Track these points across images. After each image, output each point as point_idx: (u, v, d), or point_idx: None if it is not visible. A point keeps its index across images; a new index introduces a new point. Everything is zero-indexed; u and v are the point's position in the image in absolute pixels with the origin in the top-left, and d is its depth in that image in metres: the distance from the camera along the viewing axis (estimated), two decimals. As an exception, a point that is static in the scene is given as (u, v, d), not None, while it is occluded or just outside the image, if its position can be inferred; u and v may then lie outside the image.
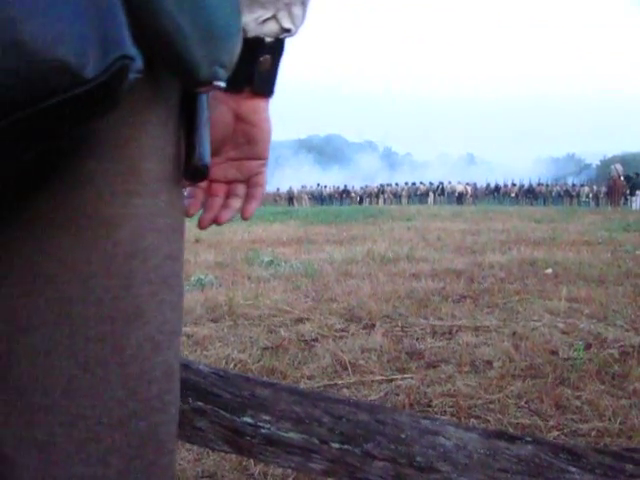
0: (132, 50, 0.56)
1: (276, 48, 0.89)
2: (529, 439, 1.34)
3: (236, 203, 0.96)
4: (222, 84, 0.74)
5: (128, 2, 0.58)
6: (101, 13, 0.54)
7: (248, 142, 0.92)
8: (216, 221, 0.97)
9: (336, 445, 1.21)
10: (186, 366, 1.19)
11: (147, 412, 0.75)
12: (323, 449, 1.21)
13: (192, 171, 0.81)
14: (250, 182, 0.96)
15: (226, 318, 5.21)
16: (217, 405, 1.20)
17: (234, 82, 0.81)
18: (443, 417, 3.07)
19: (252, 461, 2.51)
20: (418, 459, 1.24)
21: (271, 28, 0.86)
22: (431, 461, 1.24)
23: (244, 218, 0.99)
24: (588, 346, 4.31)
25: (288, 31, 0.87)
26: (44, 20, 0.50)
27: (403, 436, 1.25)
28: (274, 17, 0.86)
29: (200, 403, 1.19)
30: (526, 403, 3.32)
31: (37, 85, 0.51)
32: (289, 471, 2.43)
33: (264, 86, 0.89)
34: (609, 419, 3.08)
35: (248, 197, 0.96)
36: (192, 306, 5.56)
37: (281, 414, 1.22)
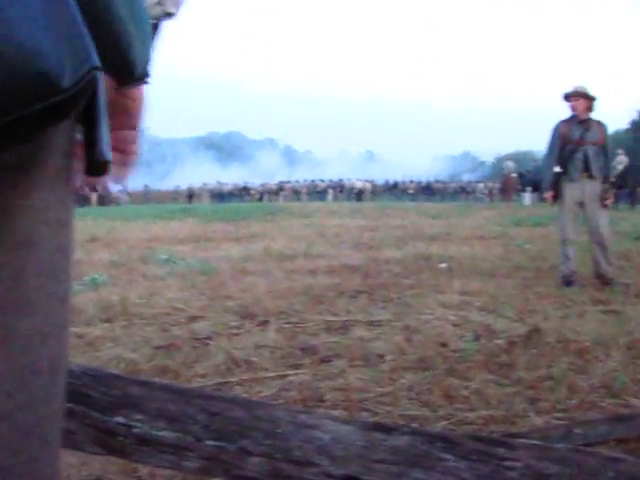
0: (97, 60, 0.62)
1: (154, 31, 0.88)
2: (406, 429, 1.36)
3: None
4: (149, 79, 0.77)
5: (84, 13, 0.62)
6: (69, 26, 0.59)
7: (125, 113, 0.91)
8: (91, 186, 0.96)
9: (211, 442, 1.20)
10: (53, 366, 1.15)
11: (33, 405, 0.74)
12: (197, 447, 1.20)
13: (93, 167, 0.79)
14: (125, 150, 0.95)
15: (119, 318, 5.10)
16: (88, 406, 1.16)
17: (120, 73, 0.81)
18: (333, 411, 3.10)
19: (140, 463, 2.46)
20: (295, 454, 1.24)
21: (156, 12, 0.87)
22: (308, 455, 1.25)
23: (118, 183, 0.98)
24: (477, 337, 4.44)
25: (171, 15, 0.88)
26: (25, 33, 0.55)
27: (280, 431, 1.25)
28: (159, 3, 0.87)
29: (70, 404, 1.15)
30: (417, 395, 3.38)
31: (22, 93, 0.56)
32: (178, 471, 2.39)
33: (143, 72, 0.88)
34: (494, 407, 3.18)
35: (123, 164, 0.96)
36: (85, 306, 5.42)
37: (155, 413, 1.19)
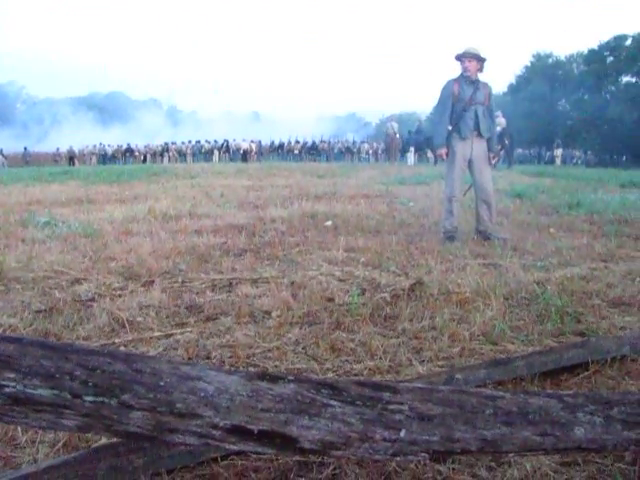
0: None
1: None
2: (291, 378, 1.36)
3: None
4: None
5: None
6: None
7: None
8: None
9: (90, 398, 1.16)
10: None
11: None
12: (76, 404, 1.15)
13: None
14: None
15: (-4, 283, 4.89)
16: (-48, 366, 1.09)
17: None
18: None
19: (19, 430, 2.37)
20: (178, 406, 1.21)
21: None
22: (192, 407, 1.22)
23: None
24: (363, 292, 4.50)
25: None
26: None
27: (162, 384, 1.22)
28: None
29: None
30: (303, 349, 3.40)
31: None
32: (60, 435, 2.32)
33: None
34: (380, 358, 3.24)
35: None
36: (-43, 272, 5.17)
37: (28, 370, 1.14)
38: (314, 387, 1.34)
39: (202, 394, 1.23)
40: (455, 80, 7.16)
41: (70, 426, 1.16)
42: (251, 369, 3.08)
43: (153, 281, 4.87)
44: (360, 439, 1.34)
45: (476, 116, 7.08)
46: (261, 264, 5.56)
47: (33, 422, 1.15)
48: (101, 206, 11.03)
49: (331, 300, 4.29)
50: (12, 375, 1.12)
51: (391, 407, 1.38)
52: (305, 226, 7.95)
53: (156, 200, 11.63)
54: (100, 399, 1.16)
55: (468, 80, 7.13)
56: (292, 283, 4.74)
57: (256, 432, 1.26)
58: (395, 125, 31.11)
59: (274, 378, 1.33)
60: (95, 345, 3.44)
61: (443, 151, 7.14)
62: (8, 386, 1.11)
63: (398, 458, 1.44)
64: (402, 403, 1.39)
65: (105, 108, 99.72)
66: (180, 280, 4.91)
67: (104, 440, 2.21)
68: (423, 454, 1.41)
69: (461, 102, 7.07)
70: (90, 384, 1.16)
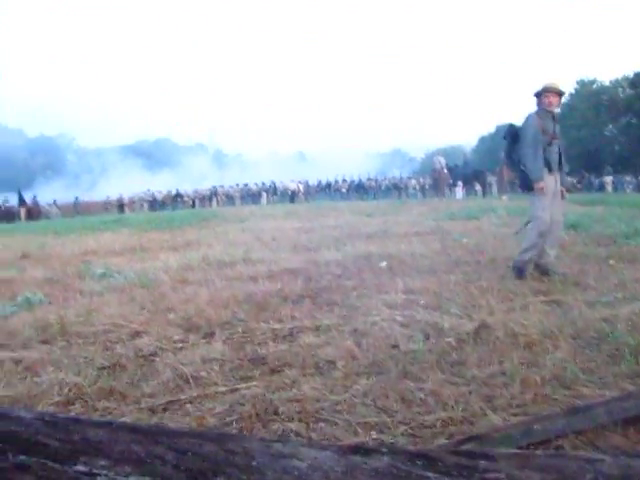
0: None
1: None
2: (384, 450, 1.30)
3: None
4: None
5: None
6: None
7: None
8: None
9: (182, 484, 1.12)
10: (2, 415, 1.05)
11: None
12: (168, 490, 1.11)
13: None
14: None
15: (58, 338, 4.93)
16: (44, 456, 1.06)
17: None
18: (289, 424, 3.03)
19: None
20: (272, 487, 1.17)
21: None
22: (286, 487, 1.18)
23: None
24: (427, 337, 4.42)
25: None
26: None
27: (254, 464, 1.17)
28: None
29: (23, 457, 1.04)
30: (372, 401, 3.33)
31: None
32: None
33: None
34: (452, 407, 3.16)
35: None
36: (20, 328, 5.23)
37: (119, 456, 1.10)
38: (409, 459, 1.29)
39: (296, 472, 1.18)
40: (536, 114, 7.11)
41: (164, 513, 1.12)
42: (321, 424, 3.02)
43: (214, 332, 4.85)
44: (459, 513, 1.28)
45: (559, 150, 7.11)
46: (320, 310, 5.51)
47: (126, 510, 1.11)
48: (155, 254, 11.13)
49: (395, 347, 4.22)
50: (104, 462, 1.08)
51: (488, 476, 1.31)
52: (360, 268, 7.89)
53: (209, 246, 11.71)
54: (193, 484, 1.12)
55: (550, 115, 7.13)
56: (354, 330, 4.67)
57: (353, 511, 1.20)
58: (442, 159, 31.10)
59: (367, 451, 1.28)
60: (161, 403, 3.43)
61: (543, 184, 6.95)
62: (100, 474, 1.08)
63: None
64: (499, 471, 1.33)
65: (152, 155, 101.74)
66: (240, 330, 4.89)
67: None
68: (523, 525, 1.34)
69: (546, 136, 7.02)
70: (182, 468, 1.12)
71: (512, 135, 7.18)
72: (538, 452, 1.43)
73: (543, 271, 6.90)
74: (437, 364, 3.83)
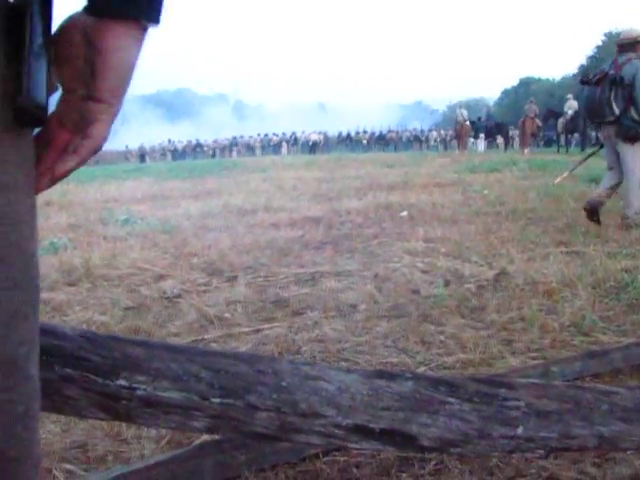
0: None
1: None
2: (409, 375, 1.35)
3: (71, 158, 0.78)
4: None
5: None
6: None
7: (92, 76, 0.71)
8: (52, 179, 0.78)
9: (217, 400, 1.18)
10: (49, 331, 1.10)
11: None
12: (204, 405, 1.17)
13: (19, 112, 0.66)
14: (84, 132, 0.75)
15: (84, 281, 5.01)
16: (87, 370, 1.12)
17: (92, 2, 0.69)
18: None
19: (124, 426, 2.43)
20: (302, 406, 1.22)
21: None
22: (315, 407, 1.23)
23: (52, 179, 0.78)
24: (447, 283, 4.47)
25: None
26: None
27: (284, 384, 1.23)
28: None
29: (68, 370, 1.10)
30: (393, 342, 3.39)
31: None
32: (163, 432, 2.37)
33: (122, 4, 0.69)
34: (471, 350, 3.21)
35: (75, 151, 0.77)
36: (46, 271, 5.31)
37: (157, 373, 1.16)
38: (432, 384, 1.34)
39: (324, 394, 1.24)
40: None
41: (199, 427, 1.18)
42: (343, 364, 3.09)
43: (236, 276, 4.92)
44: (478, 436, 1.33)
45: None
46: (341, 257, 5.57)
47: (164, 423, 1.18)
48: (176, 202, 11.20)
49: (416, 292, 4.28)
50: (143, 378, 1.14)
51: (508, 404, 1.36)
52: (381, 217, 7.92)
53: (230, 195, 11.76)
54: (227, 401, 1.18)
55: None
56: (375, 276, 4.73)
57: (377, 430, 1.26)
58: (464, 112, 30.62)
59: (392, 376, 1.33)
60: (186, 342, 3.51)
61: None
62: (139, 388, 1.14)
63: (515, 455, 1.43)
64: (518, 399, 1.38)
65: (173, 105, 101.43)
66: (263, 275, 4.96)
67: (205, 436, 2.24)
68: (540, 451, 1.40)
69: None
70: (216, 386, 1.18)
71: (612, 82, 6.75)
72: (556, 383, 1.48)
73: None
74: (457, 309, 3.88)
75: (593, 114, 7.00)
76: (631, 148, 6.73)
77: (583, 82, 7.08)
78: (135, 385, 1.14)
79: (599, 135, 7.02)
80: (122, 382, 1.13)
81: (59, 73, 0.72)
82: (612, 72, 6.74)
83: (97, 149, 0.77)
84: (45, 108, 0.68)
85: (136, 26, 0.71)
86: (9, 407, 0.69)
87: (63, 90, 0.73)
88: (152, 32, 0.74)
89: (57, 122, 0.74)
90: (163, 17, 0.72)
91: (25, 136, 0.70)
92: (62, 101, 0.74)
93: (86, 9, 0.70)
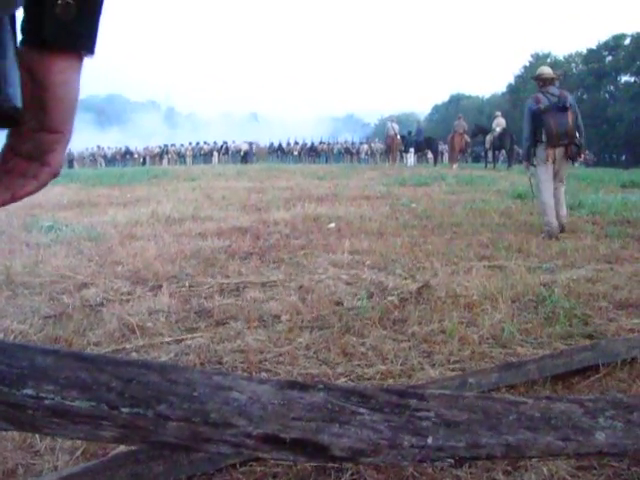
0: None
1: None
2: (321, 386, 1.37)
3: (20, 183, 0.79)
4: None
5: None
6: None
7: (41, 109, 0.74)
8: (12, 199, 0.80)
9: (126, 410, 1.17)
10: (-46, 339, 1.08)
11: None
12: (113, 415, 1.16)
13: None
14: (41, 160, 0.78)
15: (3, 288, 4.89)
16: (-7, 379, 1.10)
17: (28, 32, 0.70)
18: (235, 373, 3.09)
19: (37, 437, 2.38)
20: (213, 416, 1.22)
21: None
22: (226, 416, 1.23)
23: (12, 200, 0.80)
24: (370, 295, 4.52)
25: None
26: None
27: (196, 394, 1.23)
28: None
29: (-27, 379, 1.08)
30: (314, 353, 3.42)
31: None
32: (78, 442, 2.34)
33: (62, 39, 0.71)
34: (391, 361, 3.26)
35: (34, 177, 0.79)
36: (-36, 278, 5.17)
37: (66, 382, 1.15)
38: (344, 395, 1.35)
39: (235, 404, 1.24)
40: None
41: (107, 437, 1.17)
42: (263, 375, 3.10)
43: (161, 285, 4.87)
44: (389, 446, 1.35)
45: None
46: (267, 267, 5.57)
47: (72, 433, 1.16)
48: (103, 209, 11.01)
49: (339, 304, 4.31)
50: (51, 387, 1.13)
51: (418, 414, 1.39)
52: (309, 228, 7.96)
53: (158, 203, 11.62)
54: (136, 410, 1.17)
55: None
56: (300, 287, 4.75)
57: (288, 440, 1.27)
58: (396, 126, 31.01)
59: (304, 387, 1.34)
60: (106, 351, 3.46)
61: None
62: (47, 398, 1.12)
63: (426, 464, 1.45)
64: (429, 410, 1.40)
65: (103, 110, 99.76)
66: (187, 284, 4.92)
67: (122, 448, 2.22)
68: (449, 460, 1.43)
69: None
70: (126, 395, 1.17)
71: (570, 109, 7.61)
72: (467, 394, 1.51)
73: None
74: (379, 321, 3.93)
75: (563, 137, 7.58)
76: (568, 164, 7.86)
77: (543, 110, 7.61)
78: (42, 394, 1.12)
79: (541, 154, 7.53)
80: (29, 391, 1.12)
81: None
82: (569, 100, 7.61)
83: (56, 175, 0.80)
84: (20, 110, 0.70)
85: (77, 58, 0.74)
86: None
87: None
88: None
89: (12, 152, 0.77)
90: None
91: None
92: (14, 133, 0.77)
93: (26, 42, 0.71)
